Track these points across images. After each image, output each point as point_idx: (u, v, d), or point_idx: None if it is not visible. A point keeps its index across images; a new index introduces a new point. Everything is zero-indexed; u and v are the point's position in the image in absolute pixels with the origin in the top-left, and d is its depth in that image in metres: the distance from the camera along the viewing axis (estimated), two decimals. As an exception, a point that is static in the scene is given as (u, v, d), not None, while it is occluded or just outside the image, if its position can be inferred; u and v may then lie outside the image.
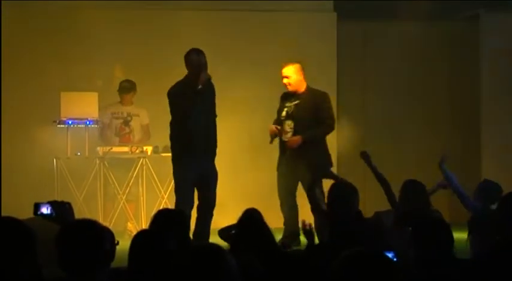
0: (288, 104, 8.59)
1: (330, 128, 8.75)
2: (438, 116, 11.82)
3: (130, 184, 9.69)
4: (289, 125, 8.54)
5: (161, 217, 4.87)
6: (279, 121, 8.64)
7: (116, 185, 9.64)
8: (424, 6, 10.76)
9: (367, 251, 2.78)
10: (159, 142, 9.68)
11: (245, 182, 10.24)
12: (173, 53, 9.85)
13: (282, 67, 8.85)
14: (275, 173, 8.82)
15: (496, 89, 11.47)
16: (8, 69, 10.21)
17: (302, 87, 8.66)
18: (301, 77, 8.72)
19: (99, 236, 3.82)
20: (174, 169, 8.38)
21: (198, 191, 8.01)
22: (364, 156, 7.16)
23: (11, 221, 3.81)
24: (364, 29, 11.82)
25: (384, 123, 11.69)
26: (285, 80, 8.75)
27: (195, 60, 7.91)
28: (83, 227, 3.89)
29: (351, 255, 2.75)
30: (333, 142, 10.09)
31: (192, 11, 10.74)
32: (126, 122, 10.09)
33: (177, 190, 8.29)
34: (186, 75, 8.06)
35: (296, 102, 8.53)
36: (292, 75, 8.65)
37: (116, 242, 3.89)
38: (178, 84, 8.14)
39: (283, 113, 8.58)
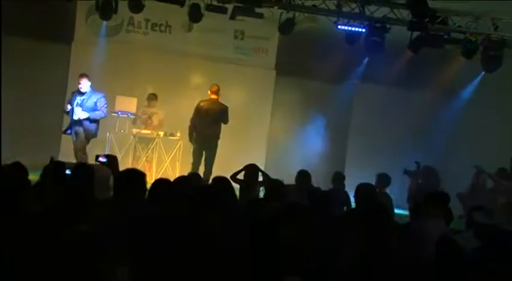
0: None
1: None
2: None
3: (148, 152, 12.54)
4: None
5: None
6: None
7: (141, 151, 12.53)
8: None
9: None
10: (168, 130, 12.62)
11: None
12: (179, 79, 13.35)
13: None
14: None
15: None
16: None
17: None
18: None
19: (139, 176, 4.91)
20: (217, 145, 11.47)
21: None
22: None
23: (83, 165, 5.80)
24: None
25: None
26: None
27: None
28: (130, 171, 5.10)
29: None
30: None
31: (191, 58, 13.33)
32: (150, 117, 12.64)
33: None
34: None
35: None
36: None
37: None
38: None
39: None
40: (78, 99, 10.87)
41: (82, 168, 5.74)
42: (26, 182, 5.12)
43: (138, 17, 12.99)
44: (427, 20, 10.92)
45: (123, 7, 11.44)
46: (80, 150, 10.74)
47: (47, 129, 12.40)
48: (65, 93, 12.67)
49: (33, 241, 3.57)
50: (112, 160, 6.69)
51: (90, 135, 10.93)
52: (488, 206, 6.09)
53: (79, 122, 10.80)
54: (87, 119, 10.81)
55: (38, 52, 12.32)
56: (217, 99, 11.66)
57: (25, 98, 12.56)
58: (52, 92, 12.88)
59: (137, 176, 4.86)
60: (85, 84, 10.92)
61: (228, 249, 3.48)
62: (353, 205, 7.52)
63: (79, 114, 10.75)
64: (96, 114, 10.91)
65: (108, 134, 12.46)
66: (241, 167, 8.51)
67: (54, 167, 6.06)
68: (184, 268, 3.12)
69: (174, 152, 12.73)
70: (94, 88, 11.32)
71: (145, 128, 12.70)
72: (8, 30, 12.08)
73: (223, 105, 11.65)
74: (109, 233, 3.55)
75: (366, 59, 13.17)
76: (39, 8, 11.93)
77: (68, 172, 5.98)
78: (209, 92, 11.69)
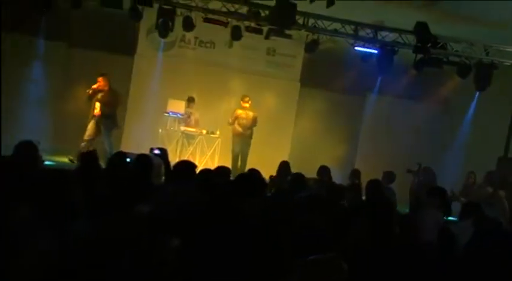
0: None
1: None
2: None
3: (194, 145, 12.67)
4: None
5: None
6: None
7: (187, 145, 12.62)
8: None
9: None
10: (209, 128, 12.81)
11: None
12: (220, 87, 13.44)
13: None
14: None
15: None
16: (137, 91, 12.92)
17: None
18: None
19: (191, 166, 5.24)
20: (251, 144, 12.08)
21: None
22: None
23: (144, 156, 5.92)
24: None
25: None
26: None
27: None
28: (185, 162, 5.53)
29: None
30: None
31: (230, 70, 13.43)
32: (189, 116, 12.67)
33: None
34: None
35: None
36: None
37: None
38: None
39: None
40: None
41: (142, 158, 5.80)
42: (98, 168, 5.21)
43: (188, 35, 13.03)
44: (429, 45, 11.04)
45: (177, 26, 11.54)
46: None
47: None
48: (127, 97, 12.86)
49: (107, 219, 3.55)
50: (163, 152, 6.68)
51: None
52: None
53: None
54: None
55: (105, 63, 12.42)
56: (249, 107, 12.32)
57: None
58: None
59: (190, 166, 4.99)
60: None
61: (262, 229, 3.48)
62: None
63: None
64: None
65: (160, 130, 12.71)
66: (268, 164, 8.58)
67: (118, 157, 6.15)
68: (226, 244, 3.11)
69: (214, 147, 12.84)
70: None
71: (185, 126, 12.77)
72: (79, 43, 12.25)
73: (255, 112, 12.34)
74: (165, 212, 3.61)
75: (380, 77, 13.19)
76: (108, 24, 12.00)
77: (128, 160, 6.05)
78: (242, 102, 12.33)
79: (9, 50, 11.46)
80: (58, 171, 3.57)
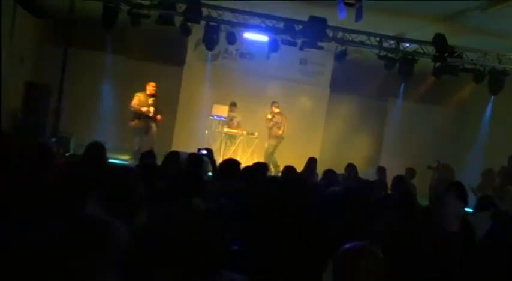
0: None
1: None
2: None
3: (236, 145, 12.78)
4: None
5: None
6: None
7: (229, 145, 12.72)
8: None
9: None
10: (249, 130, 12.78)
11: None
12: (258, 93, 13.44)
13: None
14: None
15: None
16: (186, 97, 13.22)
17: None
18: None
19: (236, 163, 5.26)
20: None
21: None
22: None
23: (195, 154, 5.97)
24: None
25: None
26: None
27: None
28: (231, 160, 5.49)
29: None
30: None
31: (267, 78, 13.66)
32: (232, 119, 12.70)
33: None
34: None
35: None
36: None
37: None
38: None
39: None
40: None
41: (194, 156, 5.80)
42: (155, 166, 5.25)
43: (231, 48, 13.07)
44: (446, 54, 10.86)
45: (221, 40, 11.55)
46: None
47: (160, 130, 12.46)
48: (177, 103, 13.06)
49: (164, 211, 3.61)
50: (209, 151, 6.66)
51: None
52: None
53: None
54: None
55: (159, 72, 12.53)
56: (279, 112, 12.42)
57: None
58: (168, 102, 13.04)
59: (235, 163, 5.02)
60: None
61: (303, 220, 3.47)
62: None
63: None
64: None
65: (206, 132, 12.73)
66: (301, 161, 8.60)
67: (172, 155, 6.14)
68: (274, 234, 3.11)
69: (253, 147, 12.87)
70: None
71: (228, 127, 12.81)
72: (135, 55, 12.46)
73: (284, 117, 12.43)
74: (216, 203, 3.65)
75: (403, 84, 12.99)
76: (160, 38, 12.18)
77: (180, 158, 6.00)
78: (273, 107, 12.39)
79: (81, 64, 11.87)
80: (123, 168, 3.63)
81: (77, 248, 1.79)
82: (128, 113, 11.40)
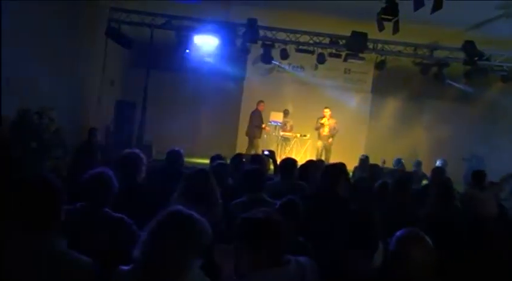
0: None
1: None
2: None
3: (291, 146, 12.55)
4: None
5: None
6: None
7: (285, 146, 12.39)
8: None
9: None
10: (302, 132, 12.51)
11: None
12: (309, 100, 12.95)
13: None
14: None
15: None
16: (247, 106, 12.64)
17: None
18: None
19: (294, 161, 4.97)
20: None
21: None
22: None
23: (258, 155, 5.92)
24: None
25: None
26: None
27: None
28: (290, 159, 5.13)
29: None
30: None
31: (316, 86, 13.24)
32: (285, 124, 12.59)
33: None
34: None
35: None
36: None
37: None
38: None
39: None
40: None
41: (257, 157, 5.81)
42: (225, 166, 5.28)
43: (284, 62, 12.98)
44: (476, 58, 10.58)
45: (275, 56, 11.56)
46: None
47: (226, 136, 12.57)
48: (239, 113, 12.98)
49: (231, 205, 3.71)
50: (271, 152, 6.69)
51: None
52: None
53: None
54: None
55: (224, 86, 12.62)
56: (329, 116, 11.94)
57: (215, 117, 12.87)
58: (231, 112, 13.14)
59: (293, 161, 4.94)
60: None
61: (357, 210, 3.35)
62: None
63: None
64: None
65: (265, 136, 12.54)
66: (348, 157, 8.41)
67: (238, 157, 6.12)
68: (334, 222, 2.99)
69: (306, 147, 12.71)
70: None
71: (283, 131, 12.65)
72: (201, 72, 12.32)
73: (334, 120, 11.93)
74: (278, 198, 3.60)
75: (437, 87, 12.50)
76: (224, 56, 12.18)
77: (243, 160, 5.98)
78: (324, 112, 11.88)
79: (160, 83, 11.91)
80: (199, 170, 3.69)
81: (176, 236, 1.88)
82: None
